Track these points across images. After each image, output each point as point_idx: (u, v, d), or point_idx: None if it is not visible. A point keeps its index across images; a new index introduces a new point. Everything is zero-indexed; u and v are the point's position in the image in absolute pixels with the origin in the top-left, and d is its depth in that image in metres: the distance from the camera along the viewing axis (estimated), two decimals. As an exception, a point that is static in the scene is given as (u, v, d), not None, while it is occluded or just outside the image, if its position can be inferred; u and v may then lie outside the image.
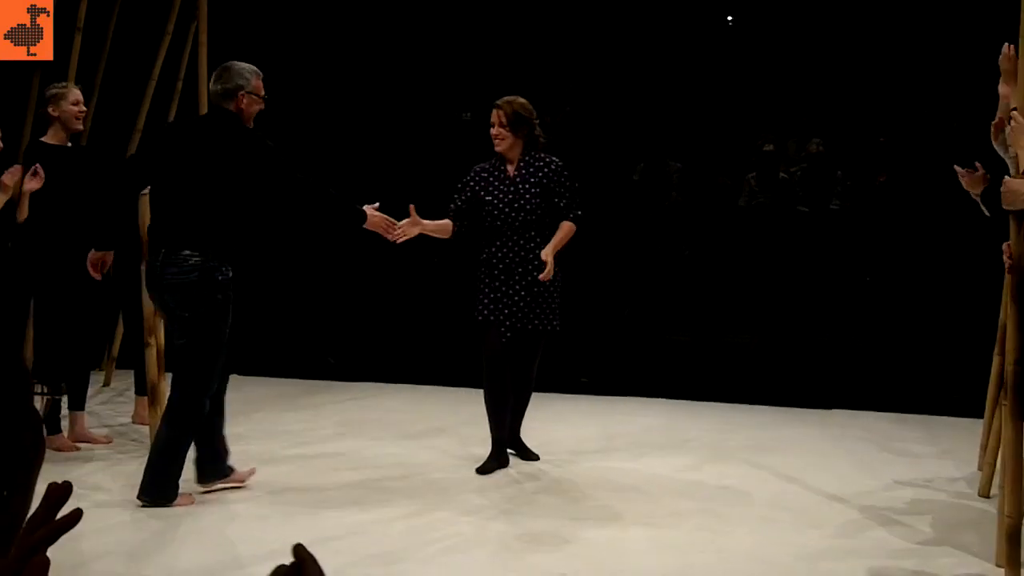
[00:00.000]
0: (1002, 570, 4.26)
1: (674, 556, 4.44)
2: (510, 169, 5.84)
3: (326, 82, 10.30)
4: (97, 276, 5.34)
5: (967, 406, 6.90)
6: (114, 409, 7.28)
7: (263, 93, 5.14)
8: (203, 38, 7.23)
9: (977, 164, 5.01)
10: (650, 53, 10.63)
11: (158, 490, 4.94)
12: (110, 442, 6.29)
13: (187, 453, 5.05)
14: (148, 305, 5.98)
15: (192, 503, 5.01)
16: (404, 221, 5.54)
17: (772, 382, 8.10)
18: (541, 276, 5.60)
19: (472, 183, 5.88)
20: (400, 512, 5.00)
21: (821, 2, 10.51)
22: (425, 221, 5.69)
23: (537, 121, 5.87)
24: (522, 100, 5.83)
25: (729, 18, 11.53)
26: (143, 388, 6.44)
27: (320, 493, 5.28)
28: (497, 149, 5.83)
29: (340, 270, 9.49)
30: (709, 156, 10.34)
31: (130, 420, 6.88)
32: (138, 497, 4.94)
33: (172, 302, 4.97)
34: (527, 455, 6.08)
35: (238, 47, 9.16)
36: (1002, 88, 4.93)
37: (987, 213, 5.10)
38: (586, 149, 9.54)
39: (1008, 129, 4.48)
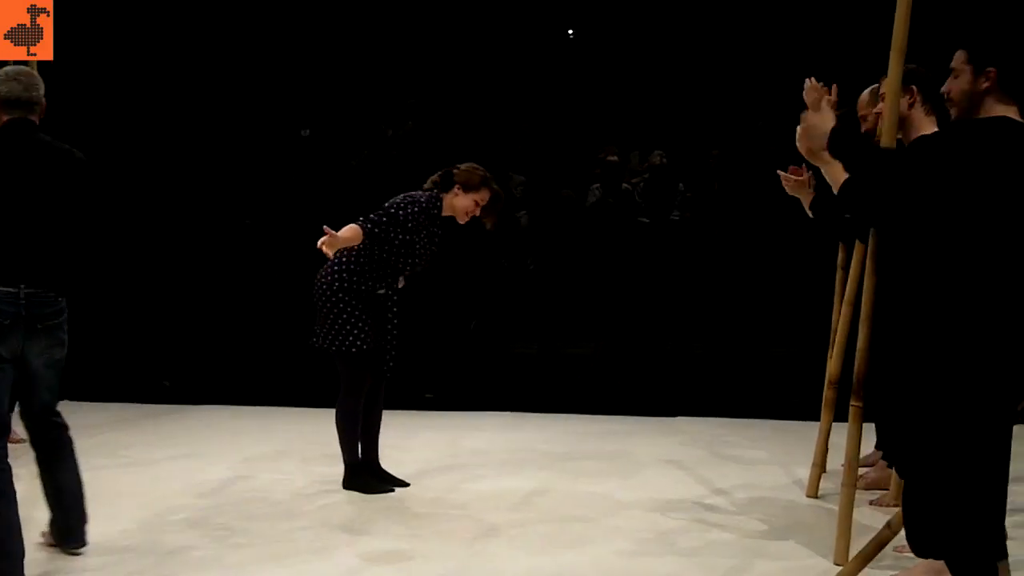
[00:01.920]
0: (838, 567, 4.35)
1: (518, 568, 4.43)
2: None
3: (162, 100, 10.07)
4: None
5: (804, 410, 7.04)
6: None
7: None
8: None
9: (803, 167, 5.07)
10: (491, 66, 10.65)
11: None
12: None
13: None
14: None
15: None
16: (323, 240, 5.17)
17: (616, 391, 8.16)
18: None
19: (413, 222, 5.49)
20: (237, 533, 4.89)
21: (661, 16, 10.67)
22: (338, 234, 5.27)
23: None
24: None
25: (571, 32, 11.64)
26: None
27: (162, 518, 5.13)
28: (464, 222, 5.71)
29: (172, 292, 9.31)
30: (552, 168, 10.39)
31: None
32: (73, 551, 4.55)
33: (47, 345, 4.37)
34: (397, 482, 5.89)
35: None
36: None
37: (810, 214, 5.22)
38: (428, 163, 9.49)
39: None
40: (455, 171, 5.67)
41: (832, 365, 5.29)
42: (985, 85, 3.51)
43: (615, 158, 10.06)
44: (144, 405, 8.32)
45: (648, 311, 9.11)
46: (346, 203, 9.63)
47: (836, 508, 4.58)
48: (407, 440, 7.00)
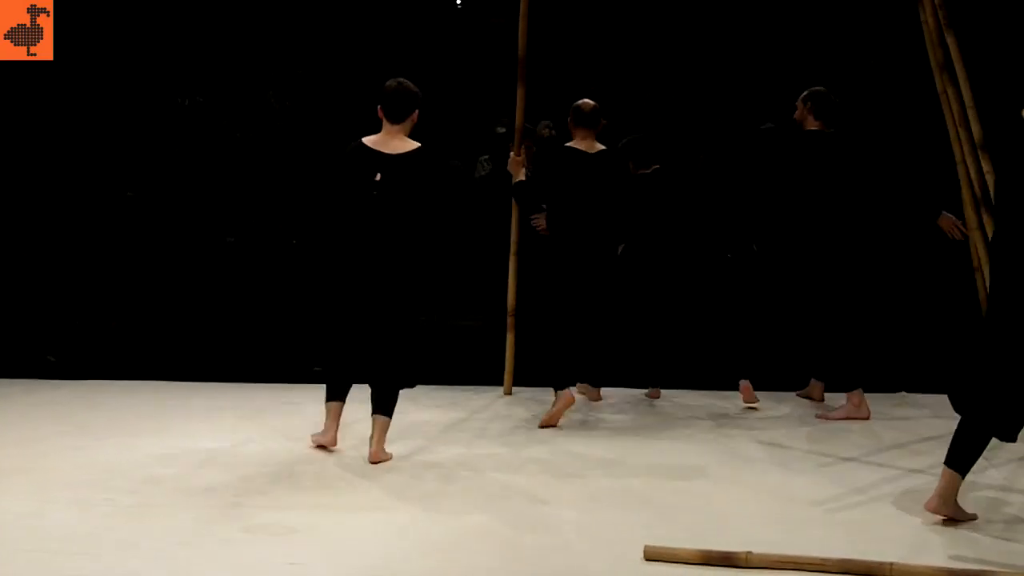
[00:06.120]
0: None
1: (404, 538, 4.48)
2: None
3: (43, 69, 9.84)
4: None
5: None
6: None
7: None
8: None
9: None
10: (379, 36, 10.60)
11: None
12: None
13: None
14: None
15: None
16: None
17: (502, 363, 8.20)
18: None
19: None
20: (122, 508, 4.89)
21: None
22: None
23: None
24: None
25: (458, 1, 11.62)
26: None
27: (46, 493, 5.11)
28: None
29: (55, 262, 9.16)
30: (441, 139, 10.37)
31: None
32: None
33: None
34: None
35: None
36: None
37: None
38: (322, 137, 9.45)
39: None
40: None
41: (510, 299, 7.55)
42: (807, 113, 6.95)
43: (503, 130, 10.09)
44: (27, 380, 8.21)
45: (540, 283, 9.16)
46: (230, 174, 9.56)
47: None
48: (295, 413, 7.01)
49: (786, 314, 7.18)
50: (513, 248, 7.49)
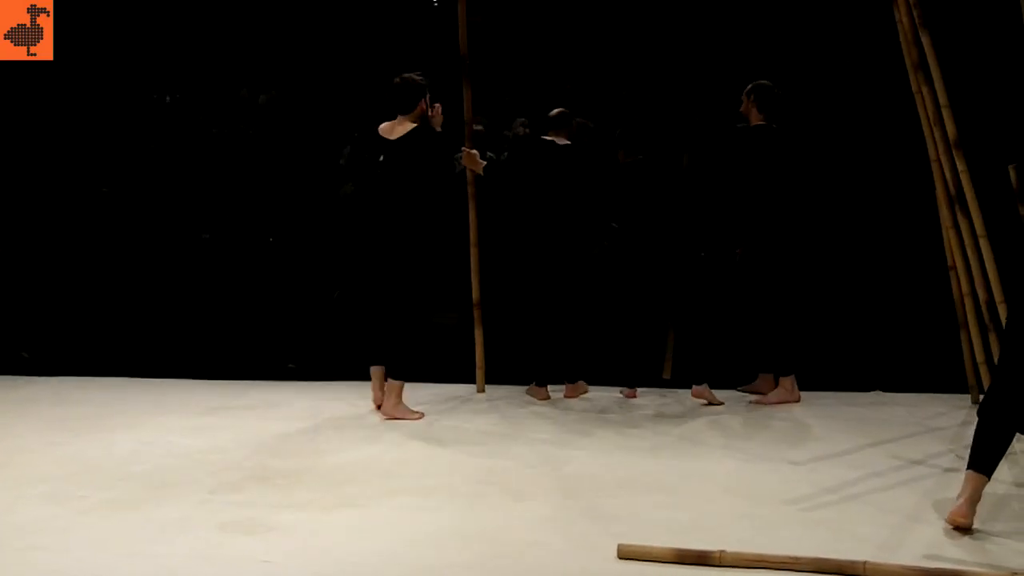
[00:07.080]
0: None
1: (381, 537, 4.46)
2: None
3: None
4: None
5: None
6: None
7: None
8: None
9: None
10: (358, 31, 10.58)
11: None
12: None
13: None
14: None
15: None
16: None
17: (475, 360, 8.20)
18: None
19: None
20: (95, 504, 4.85)
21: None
22: None
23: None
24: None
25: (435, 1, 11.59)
26: None
27: (19, 488, 5.09)
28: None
29: (29, 258, 9.10)
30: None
31: None
32: None
33: None
34: None
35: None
36: None
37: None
38: (295, 132, 9.42)
39: None
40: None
41: (474, 292, 7.60)
42: (751, 106, 7.18)
43: (480, 127, 10.08)
44: (0, 377, 8.18)
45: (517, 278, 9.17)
46: (206, 171, 9.51)
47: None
48: (269, 409, 6.99)
49: (744, 312, 7.40)
50: (473, 239, 7.69)
